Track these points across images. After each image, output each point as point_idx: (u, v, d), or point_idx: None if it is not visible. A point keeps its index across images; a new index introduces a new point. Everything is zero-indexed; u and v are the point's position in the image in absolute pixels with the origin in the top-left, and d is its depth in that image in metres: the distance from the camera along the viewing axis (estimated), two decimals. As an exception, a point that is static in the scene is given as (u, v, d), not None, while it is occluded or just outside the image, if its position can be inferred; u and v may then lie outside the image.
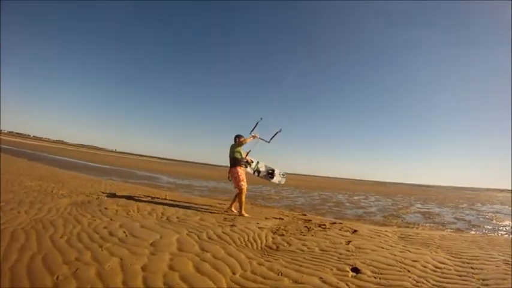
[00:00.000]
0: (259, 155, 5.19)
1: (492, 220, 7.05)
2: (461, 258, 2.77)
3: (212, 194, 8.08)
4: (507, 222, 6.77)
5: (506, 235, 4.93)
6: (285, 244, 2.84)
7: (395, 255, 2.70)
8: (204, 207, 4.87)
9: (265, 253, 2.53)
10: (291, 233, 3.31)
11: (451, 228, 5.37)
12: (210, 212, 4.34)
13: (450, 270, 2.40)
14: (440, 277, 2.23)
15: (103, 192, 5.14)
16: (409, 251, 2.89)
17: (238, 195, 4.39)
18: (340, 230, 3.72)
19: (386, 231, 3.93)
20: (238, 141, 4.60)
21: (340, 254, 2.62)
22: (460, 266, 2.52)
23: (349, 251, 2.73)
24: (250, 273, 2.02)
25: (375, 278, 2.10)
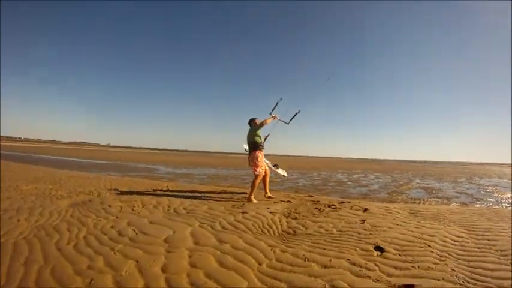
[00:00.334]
0: (277, 139, 4.95)
1: (493, 193, 7.21)
2: (474, 231, 2.78)
3: (213, 181, 8.01)
4: (508, 195, 6.94)
5: (510, 207, 5.02)
6: (302, 228, 2.79)
7: (412, 231, 2.69)
8: (209, 195, 4.78)
9: (284, 239, 2.46)
10: (303, 216, 3.26)
11: (456, 202, 5.46)
12: (216, 200, 4.24)
13: (468, 243, 2.40)
14: (461, 250, 2.22)
15: (103, 189, 4.95)
16: (424, 227, 2.88)
17: (254, 180, 4.28)
18: (350, 209, 3.70)
19: (395, 207, 3.94)
20: (257, 123, 4.36)
21: (359, 233, 2.59)
22: (476, 239, 2.52)
23: (366, 230, 2.70)
24: (276, 261, 1.93)
25: (400, 255, 2.08)
